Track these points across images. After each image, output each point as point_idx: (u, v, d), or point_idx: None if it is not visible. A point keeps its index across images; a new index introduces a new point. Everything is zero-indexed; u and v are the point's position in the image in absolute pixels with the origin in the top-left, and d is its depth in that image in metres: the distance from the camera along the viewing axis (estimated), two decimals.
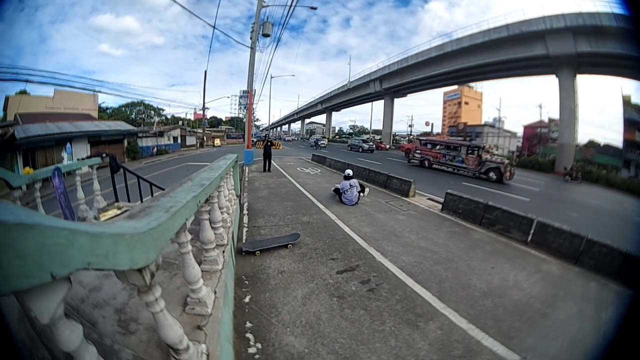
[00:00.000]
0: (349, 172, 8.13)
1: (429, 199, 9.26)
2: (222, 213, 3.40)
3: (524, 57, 27.52)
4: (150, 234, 1.02)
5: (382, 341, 2.72)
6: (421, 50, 36.10)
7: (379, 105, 50.34)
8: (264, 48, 17.21)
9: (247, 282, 3.62)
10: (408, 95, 48.74)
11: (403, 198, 8.94)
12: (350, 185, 7.81)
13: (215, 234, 2.81)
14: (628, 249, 4.72)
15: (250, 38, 16.12)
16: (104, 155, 4.72)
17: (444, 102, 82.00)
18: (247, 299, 3.26)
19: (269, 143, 13.58)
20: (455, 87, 64.52)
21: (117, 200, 4.97)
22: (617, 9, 22.37)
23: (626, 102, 36.13)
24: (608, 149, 38.96)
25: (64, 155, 3.92)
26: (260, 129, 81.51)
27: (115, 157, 4.83)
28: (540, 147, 46.86)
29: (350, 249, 4.77)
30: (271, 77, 31.92)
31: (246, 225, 5.55)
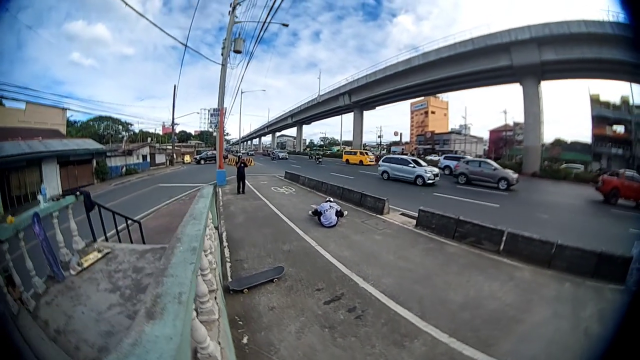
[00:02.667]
0: (330, 198, 8.59)
1: (402, 214, 9.52)
2: (206, 255, 3.46)
3: (488, 68, 29.03)
4: (182, 338, 1.13)
5: None
6: (389, 65, 37.40)
7: (349, 117, 51.40)
8: (234, 64, 17.01)
9: (240, 322, 3.68)
10: (377, 107, 49.94)
11: (378, 216, 9.15)
12: (330, 207, 8.03)
13: (204, 281, 2.87)
14: (602, 249, 5.16)
15: (222, 54, 15.97)
16: (77, 193, 4.65)
17: (412, 112, 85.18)
18: (245, 340, 3.34)
19: (242, 165, 13.51)
20: (422, 97, 67.20)
21: (94, 239, 4.86)
22: (589, 16, 24.08)
23: (594, 100, 39.44)
24: (575, 145, 42.26)
25: (40, 197, 3.77)
26: (231, 142, 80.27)
27: (89, 195, 4.75)
28: (506, 150, 49.57)
29: (333, 277, 4.92)
30: (242, 92, 31.82)
31: (229, 260, 5.55)
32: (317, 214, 8.13)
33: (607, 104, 39.26)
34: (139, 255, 4.29)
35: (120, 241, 5.32)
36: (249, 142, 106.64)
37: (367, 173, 23.72)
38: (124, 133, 48.98)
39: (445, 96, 74.02)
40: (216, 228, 6.09)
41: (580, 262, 5.28)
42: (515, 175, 16.78)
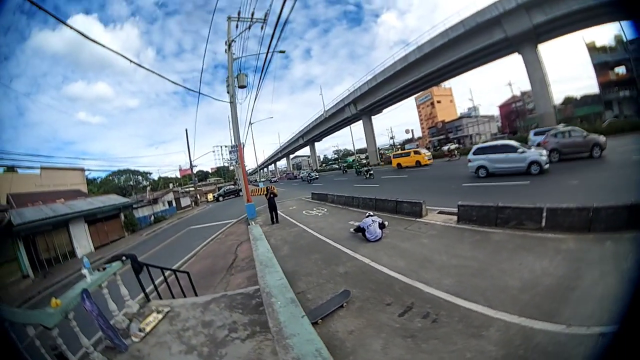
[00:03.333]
0: (370, 213, 8.59)
1: (439, 212, 9.40)
2: None
3: (485, 45, 28.91)
4: None
5: (460, 357, 3.15)
6: (387, 67, 37.79)
7: (359, 125, 51.48)
8: (242, 98, 17.36)
9: None
10: (384, 110, 50.15)
11: (418, 220, 9.05)
12: (373, 221, 8.01)
13: None
14: (632, 201, 5.39)
15: (228, 92, 16.27)
16: (123, 258, 4.60)
17: (418, 106, 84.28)
18: None
19: (272, 195, 13.68)
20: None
21: (148, 300, 4.87)
22: None
23: (591, 48, 38.12)
24: (586, 99, 40.93)
25: (84, 271, 3.78)
26: (248, 172, 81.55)
27: (135, 258, 4.63)
28: (521, 122, 48.06)
29: (397, 289, 4.93)
30: (250, 124, 32.60)
31: None
32: (360, 230, 8.13)
33: (604, 49, 37.60)
34: (203, 308, 4.28)
35: (173, 296, 5.26)
36: (265, 168, 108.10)
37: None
38: (144, 182, 50.96)
39: (447, 83, 73.01)
40: None
41: (615, 218, 5.47)
42: (604, 138, 14.31)
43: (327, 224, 10.88)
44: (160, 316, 4.08)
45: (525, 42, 27.51)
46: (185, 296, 5.37)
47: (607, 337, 2.01)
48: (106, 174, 50.96)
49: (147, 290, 4.89)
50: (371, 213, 8.49)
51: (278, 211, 13.74)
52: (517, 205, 6.79)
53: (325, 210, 14.12)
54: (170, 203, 36.26)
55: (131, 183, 51.99)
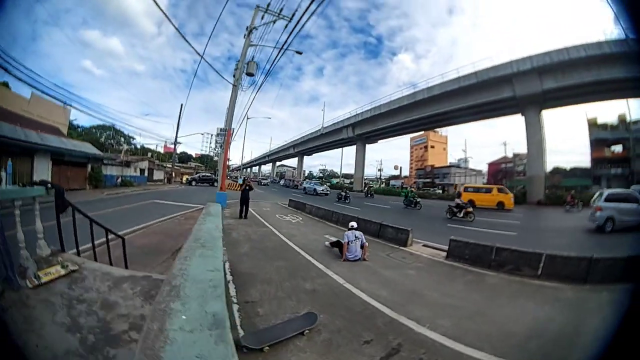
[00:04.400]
0: (354, 224, 7.31)
1: (424, 245, 8.60)
2: None
3: (492, 100, 29.11)
4: None
5: None
6: (393, 99, 37.68)
7: (349, 150, 51.33)
8: (245, 87, 16.66)
9: None
10: (379, 141, 49.90)
11: (402, 248, 8.16)
12: (356, 237, 6.85)
13: None
14: (629, 253, 5.77)
15: (234, 75, 15.69)
16: (49, 185, 3.36)
17: (411, 147, 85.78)
18: None
19: (247, 187, 12.33)
20: (421, 132, 67.67)
21: (63, 250, 3.54)
22: (587, 39, 25.14)
23: (592, 124, 39.45)
24: (575, 171, 42.33)
25: (2, 175, 2.82)
26: (231, 168, 80.00)
27: (62, 192, 3.43)
28: (506, 181, 48.80)
29: (380, 323, 3.80)
30: (247, 118, 31.24)
31: (235, 300, 4.17)
32: (338, 245, 7.01)
33: (604, 126, 39.33)
34: (113, 284, 3.03)
35: (96, 259, 3.98)
36: (249, 169, 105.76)
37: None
38: (125, 145, 47.86)
39: (444, 131, 74.67)
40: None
41: (611, 270, 5.49)
42: None
43: (300, 233, 9.57)
44: (62, 272, 3.01)
45: (530, 105, 27.82)
46: (111, 264, 4.01)
47: None
48: (90, 125, 48.61)
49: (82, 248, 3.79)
50: (355, 225, 7.27)
51: (250, 208, 12.28)
52: (516, 248, 6.44)
53: (301, 219, 12.85)
54: (142, 171, 34.12)
55: (111, 142, 49.22)
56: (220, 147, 16.58)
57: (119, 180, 27.57)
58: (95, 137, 45.70)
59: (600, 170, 37.96)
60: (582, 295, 5.17)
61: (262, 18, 15.63)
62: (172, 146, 40.70)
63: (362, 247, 6.88)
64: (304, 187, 35.52)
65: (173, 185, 35.85)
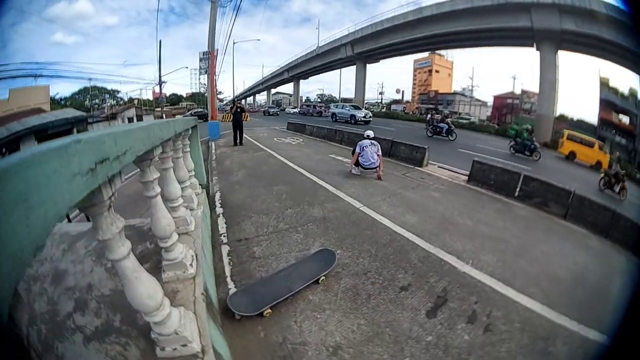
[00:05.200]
0: (370, 133, 6.44)
1: (439, 167, 7.74)
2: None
3: (506, 27, 26.70)
4: None
5: None
6: (397, 14, 33.91)
7: (348, 73, 48.33)
8: (225, 2, 14.03)
9: None
10: (381, 60, 46.40)
11: (417, 168, 7.26)
12: (371, 144, 6.01)
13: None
14: None
15: None
16: None
17: (415, 70, 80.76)
18: None
19: (238, 109, 10.82)
20: (426, 54, 63.21)
21: None
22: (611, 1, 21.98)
23: (604, 83, 37.89)
24: (581, 123, 41.30)
25: None
26: (224, 102, 77.20)
27: None
28: (511, 117, 47.34)
29: (415, 259, 2.92)
30: (234, 43, 28.17)
31: (225, 239, 3.18)
32: (353, 153, 6.20)
33: (615, 91, 38.03)
34: (68, 245, 2.12)
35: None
36: (243, 100, 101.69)
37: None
38: (111, 101, 45.48)
39: (450, 55, 69.79)
40: (204, 188, 3.69)
41: (631, 234, 5.12)
42: None
43: (302, 154, 8.44)
44: None
45: (547, 41, 25.94)
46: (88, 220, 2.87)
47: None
48: (72, 93, 45.05)
49: None
50: (371, 135, 6.26)
51: (244, 135, 10.99)
52: (545, 179, 5.83)
53: (301, 140, 11.66)
54: (130, 120, 32.48)
55: (97, 102, 47.00)
56: (206, 72, 14.99)
57: None
58: (80, 102, 42.71)
59: (605, 132, 36.95)
60: (606, 250, 4.71)
61: None
62: (163, 90, 38.20)
63: (378, 156, 6.01)
64: (333, 114, 27.46)
65: None
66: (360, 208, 4.01)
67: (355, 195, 4.57)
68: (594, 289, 3.39)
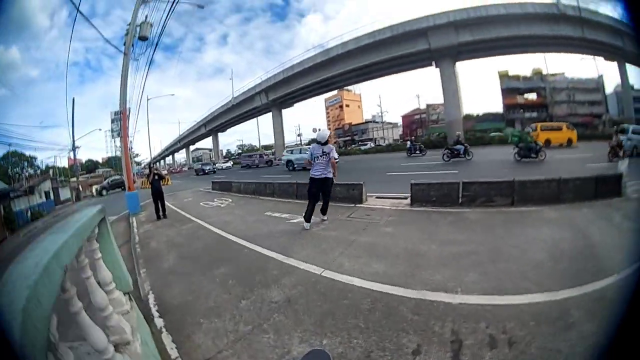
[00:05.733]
0: (325, 133, 5.81)
1: (377, 197, 7.85)
2: None
3: (407, 53, 30.08)
4: None
5: None
6: (306, 58, 36.17)
7: (265, 120, 49.06)
8: (139, 53, 13.51)
9: None
10: (295, 104, 48.36)
11: (358, 205, 7.18)
12: (323, 152, 5.59)
13: None
14: (597, 174, 6.35)
15: (124, 43, 12.49)
16: None
17: (327, 108, 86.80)
18: None
19: (156, 176, 9.71)
20: (335, 92, 67.78)
21: None
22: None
23: (502, 75, 46.09)
24: (487, 116, 48.63)
25: None
26: (142, 165, 71.35)
27: None
28: (422, 130, 52.53)
29: (408, 314, 2.62)
30: (147, 99, 26.58)
31: None
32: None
33: (517, 77, 46.34)
34: None
35: None
36: (162, 161, 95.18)
37: None
38: (29, 170, 41.20)
39: (357, 89, 76.32)
40: (129, 295, 2.87)
41: (584, 189, 6.01)
42: None
43: (236, 217, 7.72)
44: None
45: (445, 57, 29.84)
46: None
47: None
48: None
49: None
50: (324, 135, 5.82)
51: (166, 202, 9.89)
52: (484, 180, 6.40)
53: (230, 200, 10.90)
54: (47, 194, 29.02)
55: (18, 170, 40.73)
56: (118, 134, 13.32)
57: (28, 213, 23.04)
58: (3, 170, 37.65)
59: (513, 115, 44.64)
60: (568, 213, 5.20)
61: None
62: (77, 155, 34.13)
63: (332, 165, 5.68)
64: (289, 161, 21.93)
65: (83, 201, 30.51)
66: (322, 273, 3.55)
67: (310, 258, 4.11)
68: (574, 251, 3.67)
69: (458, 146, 16.67)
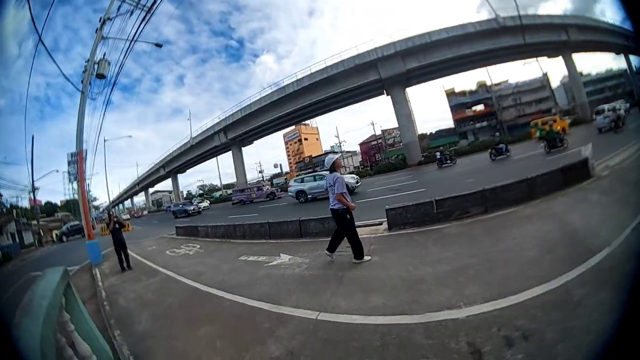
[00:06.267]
0: (329, 159, 5.20)
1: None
2: None
3: (359, 84, 31.85)
4: None
5: None
6: (264, 95, 37.02)
7: (225, 159, 48.52)
8: (96, 92, 13.57)
9: None
10: (254, 142, 48.74)
11: None
12: (330, 184, 5.07)
13: None
14: (563, 165, 6.92)
15: (82, 81, 12.16)
16: None
17: (286, 143, 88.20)
18: None
19: (116, 225, 8.93)
20: (292, 127, 69.17)
21: None
22: (450, 22, 32.37)
23: (449, 94, 51.09)
24: (440, 132, 52.33)
25: None
26: (101, 209, 66.26)
27: None
28: (381, 155, 54.83)
29: (421, 340, 2.58)
30: (105, 141, 25.26)
31: None
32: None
33: (463, 93, 50.71)
34: None
35: None
36: (120, 205, 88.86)
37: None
38: None
39: (314, 122, 78.56)
40: None
41: (554, 181, 6.56)
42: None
43: (208, 267, 7.13)
44: None
45: (395, 85, 32.16)
46: None
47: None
48: None
49: None
50: (330, 159, 5.23)
51: (129, 252, 9.11)
52: (456, 194, 6.56)
53: (198, 246, 10.16)
54: (14, 236, 28.78)
55: None
56: (75, 179, 12.71)
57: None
58: None
59: (464, 128, 48.95)
60: (544, 206, 5.64)
61: (119, 9, 12.97)
62: (38, 197, 32.15)
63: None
64: (299, 192, 19.02)
65: (45, 247, 28.89)
66: (319, 317, 3.34)
67: (301, 302, 3.86)
68: (562, 237, 3.93)
69: (500, 145, 18.97)
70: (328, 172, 5.33)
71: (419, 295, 3.33)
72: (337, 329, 3.03)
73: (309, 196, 18.59)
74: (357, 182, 18.30)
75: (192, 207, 31.12)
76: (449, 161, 22.69)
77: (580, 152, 7.87)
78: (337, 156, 5.42)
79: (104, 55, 12.97)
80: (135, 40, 12.39)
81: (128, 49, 12.46)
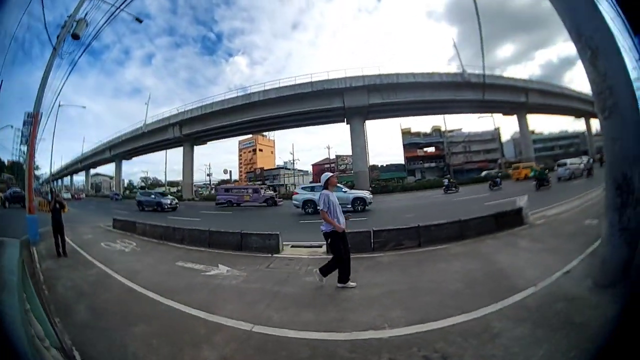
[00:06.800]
0: (324, 176, 5.03)
1: (293, 247, 8.11)
2: None
3: (323, 108, 33.30)
4: None
5: None
6: (228, 98, 36.88)
7: (174, 155, 46.24)
8: (67, 52, 12.61)
9: None
10: (208, 142, 47.70)
11: (275, 255, 7.31)
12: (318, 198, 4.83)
13: None
14: (497, 211, 7.93)
15: (57, 36, 11.63)
16: None
17: (240, 150, 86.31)
18: None
19: (57, 204, 8.49)
20: (250, 135, 68.17)
21: None
22: (420, 69, 32.83)
23: (405, 132, 55.17)
24: (390, 167, 55.34)
25: None
26: (40, 181, 58.00)
27: None
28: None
29: (359, 358, 2.92)
30: (59, 105, 22.84)
31: None
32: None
33: (418, 134, 54.79)
34: None
35: None
36: (59, 180, 78.64)
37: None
38: None
39: (272, 135, 78.27)
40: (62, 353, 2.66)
41: (486, 225, 7.27)
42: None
43: (145, 266, 7.13)
44: None
45: (356, 115, 34.11)
46: None
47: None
48: None
49: None
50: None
51: (66, 238, 8.67)
52: (392, 227, 7.16)
53: (135, 244, 9.86)
54: None
55: None
56: (26, 142, 11.54)
57: None
58: None
59: (413, 165, 52.66)
60: (472, 246, 6.24)
61: None
62: None
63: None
64: (305, 202, 17.89)
65: None
66: (253, 329, 3.69)
67: (236, 313, 4.14)
68: (487, 274, 4.38)
69: (497, 179, 23.97)
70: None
71: (347, 314, 3.83)
72: (269, 340, 3.42)
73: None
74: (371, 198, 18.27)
75: (168, 201, 24.58)
76: (453, 188, 25.96)
77: (515, 202, 8.45)
78: (331, 174, 5.13)
79: (85, 14, 12.41)
80: (121, 9, 12.39)
81: (111, 15, 12.35)
